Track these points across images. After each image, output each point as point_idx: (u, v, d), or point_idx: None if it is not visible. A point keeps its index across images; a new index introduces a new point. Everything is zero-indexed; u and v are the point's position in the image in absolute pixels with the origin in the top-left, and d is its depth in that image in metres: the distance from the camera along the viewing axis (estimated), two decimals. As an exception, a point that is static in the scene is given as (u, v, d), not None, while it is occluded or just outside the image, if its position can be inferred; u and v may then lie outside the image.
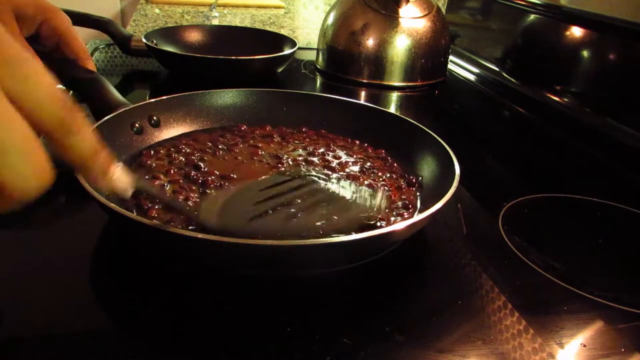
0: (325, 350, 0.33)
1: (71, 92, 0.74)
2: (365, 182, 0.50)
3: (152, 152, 0.54)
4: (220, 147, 0.56)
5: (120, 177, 0.34)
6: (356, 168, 0.53)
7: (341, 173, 0.52)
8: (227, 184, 0.49)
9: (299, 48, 0.90)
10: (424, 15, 0.90)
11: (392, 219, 0.45)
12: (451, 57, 1.08)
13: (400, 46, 0.89)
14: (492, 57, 1.02)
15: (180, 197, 0.46)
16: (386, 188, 0.50)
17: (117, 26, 0.91)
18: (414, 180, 0.51)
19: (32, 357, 0.32)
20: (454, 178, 0.44)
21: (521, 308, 0.39)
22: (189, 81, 0.84)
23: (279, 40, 0.95)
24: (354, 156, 0.56)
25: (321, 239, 0.36)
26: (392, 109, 0.85)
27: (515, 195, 0.55)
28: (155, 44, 0.87)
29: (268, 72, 0.88)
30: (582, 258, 0.47)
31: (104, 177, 0.32)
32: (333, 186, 0.48)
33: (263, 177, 0.50)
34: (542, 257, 0.45)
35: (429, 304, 0.39)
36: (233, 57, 0.80)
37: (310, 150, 0.56)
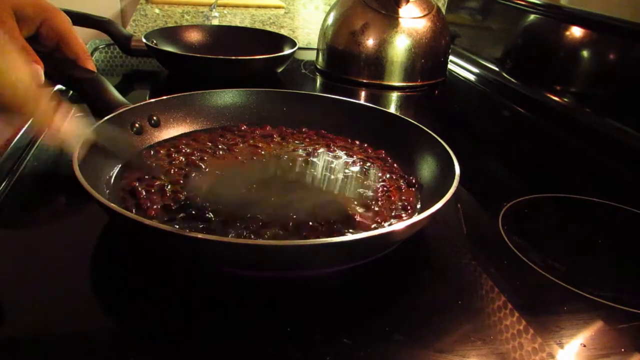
0: (325, 350, 0.33)
1: (71, 92, 0.74)
2: (365, 183, 0.51)
3: (152, 152, 0.54)
4: (220, 147, 0.56)
5: (72, 125, 0.33)
6: (356, 168, 0.53)
7: (341, 174, 0.52)
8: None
9: (299, 48, 0.90)
10: (424, 15, 0.90)
11: (392, 219, 0.45)
12: (451, 57, 1.08)
13: (400, 46, 0.89)
14: (492, 57, 1.02)
15: (181, 196, 0.46)
16: (386, 187, 0.50)
17: (117, 26, 0.91)
18: (413, 181, 0.51)
19: (32, 357, 0.32)
20: (454, 178, 0.44)
21: (521, 308, 0.39)
22: (189, 81, 0.84)
23: (279, 40, 0.95)
24: (354, 156, 0.56)
25: (321, 239, 0.36)
26: (392, 109, 0.85)
27: (515, 195, 0.55)
28: (155, 44, 0.87)
29: (268, 72, 0.88)
30: (582, 258, 0.47)
31: (49, 122, 0.32)
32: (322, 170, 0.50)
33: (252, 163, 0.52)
34: (542, 257, 0.45)
35: (429, 304, 0.39)
36: (233, 57, 0.80)
37: (310, 150, 0.56)
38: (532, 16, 0.90)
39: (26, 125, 0.58)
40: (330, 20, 0.94)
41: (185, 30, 0.98)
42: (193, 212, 0.43)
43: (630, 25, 0.71)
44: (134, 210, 0.43)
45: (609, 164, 0.70)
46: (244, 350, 0.33)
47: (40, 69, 0.30)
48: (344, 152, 0.57)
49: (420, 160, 0.53)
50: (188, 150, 0.55)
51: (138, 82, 0.91)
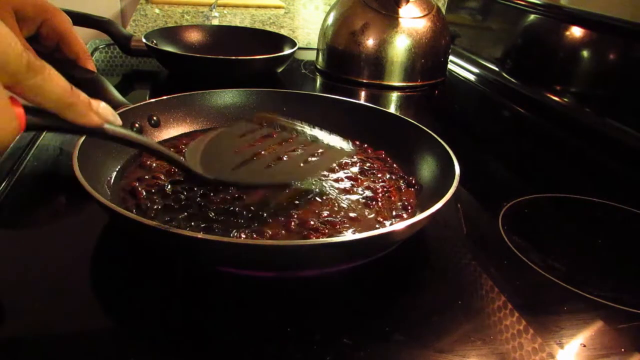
0: (325, 350, 0.33)
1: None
2: (364, 184, 0.51)
3: (152, 152, 0.54)
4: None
5: (107, 109, 0.34)
6: (356, 169, 0.53)
7: (340, 174, 0.52)
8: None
9: (299, 48, 0.90)
10: (424, 15, 0.90)
11: (391, 220, 0.45)
12: (451, 57, 1.08)
13: (400, 46, 0.89)
14: (492, 57, 1.02)
15: (182, 196, 0.46)
16: (386, 188, 0.50)
17: (117, 26, 0.91)
18: (413, 182, 0.51)
19: (32, 357, 0.32)
20: (454, 178, 0.44)
21: (521, 308, 0.39)
22: (189, 81, 0.84)
23: (279, 40, 0.95)
24: (354, 157, 0.56)
25: (321, 239, 0.36)
26: (392, 109, 0.85)
27: (515, 195, 0.55)
28: (155, 44, 0.87)
29: (268, 72, 0.88)
30: (582, 258, 0.47)
31: (91, 108, 0.32)
32: (305, 133, 0.52)
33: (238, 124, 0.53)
34: (542, 257, 0.45)
35: (429, 304, 0.39)
36: (233, 57, 0.80)
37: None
38: (532, 16, 0.90)
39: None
40: (330, 20, 0.94)
41: (185, 30, 0.98)
42: (193, 211, 0.43)
43: (630, 25, 0.71)
44: (134, 211, 0.43)
45: (609, 164, 0.70)
46: (244, 350, 0.33)
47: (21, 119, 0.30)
48: (344, 152, 0.57)
49: (420, 160, 0.53)
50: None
51: (138, 82, 0.91)
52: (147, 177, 0.48)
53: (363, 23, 0.89)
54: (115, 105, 0.55)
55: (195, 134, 0.59)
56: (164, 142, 0.57)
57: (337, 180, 0.51)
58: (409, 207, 0.47)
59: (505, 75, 0.97)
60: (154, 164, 0.51)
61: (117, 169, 0.49)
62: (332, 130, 0.61)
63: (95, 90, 0.57)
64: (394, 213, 0.46)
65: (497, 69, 0.99)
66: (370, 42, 0.89)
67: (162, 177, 0.49)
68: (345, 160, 0.55)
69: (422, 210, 0.40)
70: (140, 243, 0.41)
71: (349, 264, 0.40)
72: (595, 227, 0.53)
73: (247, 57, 0.81)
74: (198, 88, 0.62)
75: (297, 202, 0.46)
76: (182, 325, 0.35)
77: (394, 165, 0.55)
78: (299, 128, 0.53)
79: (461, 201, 0.54)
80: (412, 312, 0.38)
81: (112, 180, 0.48)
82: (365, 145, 0.59)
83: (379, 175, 0.52)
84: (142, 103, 0.57)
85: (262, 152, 0.48)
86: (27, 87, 0.30)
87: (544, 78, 0.88)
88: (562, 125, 0.81)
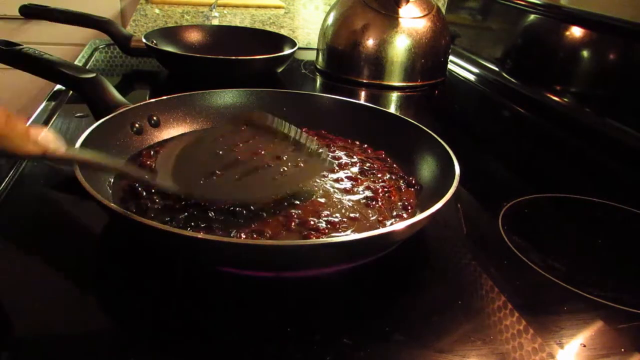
0: (325, 350, 0.33)
1: (71, 92, 0.74)
2: (364, 184, 0.51)
3: (152, 152, 0.54)
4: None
5: (48, 136, 0.34)
6: (356, 169, 0.53)
7: (340, 174, 0.52)
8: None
9: (299, 48, 0.90)
10: (424, 15, 0.90)
11: (391, 220, 0.45)
12: (451, 57, 1.08)
13: (400, 46, 0.89)
14: (492, 57, 1.02)
15: (182, 196, 0.46)
16: (386, 188, 0.50)
17: (117, 26, 0.91)
18: (413, 182, 0.51)
19: (32, 357, 0.32)
20: (454, 178, 0.44)
21: (521, 308, 0.39)
22: (189, 81, 0.84)
23: (279, 40, 0.95)
24: (354, 157, 0.56)
25: (321, 239, 0.36)
26: (392, 109, 0.85)
27: (515, 195, 0.55)
28: (155, 44, 0.87)
29: (268, 72, 0.88)
30: (582, 258, 0.47)
31: (28, 138, 0.32)
32: (287, 140, 0.50)
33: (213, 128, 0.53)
34: (542, 257, 0.45)
35: (429, 304, 0.39)
36: (233, 57, 0.80)
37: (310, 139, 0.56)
38: (532, 16, 0.90)
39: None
40: (330, 20, 0.94)
41: (185, 30, 0.98)
42: (194, 211, 0.43)
43: (630, 25, 0.71)
44: (134, 211, 0.43)
45: (609, 164, 0.70)
46: (244, 350, 0.33)
47: None
48: (344, 152, 0.57)
49: (420, 160, 0.53)
50: (183, 138, 0.54)
51: (138, 82, 0.91)
52: (146, 177, 0.48)
53: (363, 23, 0.89)
54: (115, 105, 0.55)
55: (195, 134, 0.59)
56: (164, 142, 0.57)
57: (337, 180, 0.51)
58: (409, 207, 0.47)
59: (505, 75, 0.97)
60: (154, 164, 0.51)
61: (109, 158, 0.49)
62: (332, 130, 0.62)
63: (95, 91, 0.57)
64: (394, 213, 0.46)
65: (497, 69, 0.99)
66: (370, 42, 0.89)
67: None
68: (345, 160, 0.55)
69: (422, 210, 0.40)
70: (140, 243, 0.41)
71: (349, 264, 0.40)
72: (595, 227, 0.53)
73: (247, 57, 0.81)
74: (198, 88, 0.62)
75: (297, 202, 0.46)
76: (182, 325, 0.35)
77: (394, 165, 0.55)
78: (283, 131, 0.51)
79: (461, 201, 0.54)
80: (412, 312, 0.38)
81: (112, 180, 0.48)
82: (365, 145, 0.59)
83: (379, 175, 0.52)
84: (142, 103, 0.57)
85: (237, 160, 0.47)
86: None
87: (544, 78, 0.87)
88: (562, 125, 0.81)
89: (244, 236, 0.40)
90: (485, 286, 0.41)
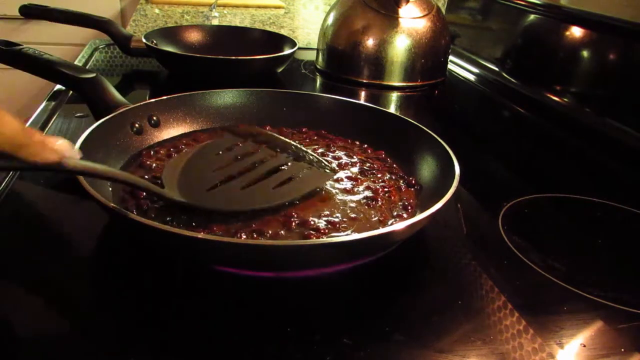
0: (325, 350, 0.33)
1: (71, 92, 0.74)
2: (364, 184, 0.51)
3: (152, 152, 0.54)
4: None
5: (64, 144, 0.34)
6: (356, 169, 0.53)
7: (340, 174, 0.52)
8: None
9: (299, 48, 0.90)
10: (424, 15, 0.90)
11: (391, 220, 0.45)
12: (451, 57, 1.08)
13: (400, 46, 0.89)
14: (492, 57, 1.02)
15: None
16: (386, 188, 0.50)
17: (117, 26, 0.91)
18: (413, 182, 0.51)
19: (32, 357, 0.32)
20: (454, 178, 0.44)
21: (521, 308, 0.39)
22: (189, 81, 0.84)
23: (279, 40, 0.95)
24: (354, 157, 0.56)
25: (321, 239, 0.36)
26: (392, 109, 0.85)
27: (515, 195, 0.55)
28: (155, 44, 0.87)
29: (268, 72, 0.88)
30: (582, 258, 0.47)
31: (46, 146, 0.33)
32: (286, 152, 0.51)
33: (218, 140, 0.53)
34: (542, 257, 0.45)
35: (429, 304, 0.39)
36: (233, 57, 0.80)
37: (310, 150, 0.56)
38: (532, 16, 0.90)
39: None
40: (330, 20, 0.94)
41: (185, 30, 0.98)
42: (194, 211, 0.43)
43: (630, 25, 0.71)
44: (134, 211, 0.43)
45: (609, 164, 0.70)
46: (244, 350, 0.33)
47: None
48: (344, 152, 0.57)
49: (420, 160, 0.53)
50: (188, 150, 0.54)
51: (138, 82, 0.91)
52: (147, 177, 0.48)
53: (363, 23, 0.89)
54: (115, 105, 0.55)
55: (195, 134, 0.59)
56: (164, 142, 0.57)
57: (337, 180, 0.51)
58: (409, 207, 0.47)
59: (505, 75, 0.97)
60: (154, 164, 0.51)
61: (117, 169, 0.49)
62: (332, 130, 0.62)
63: (95, 91, 0.57)
64: (394, 213, 0.46)
65: (497, 69, 0.99)
66: (370, 42, 0.89)
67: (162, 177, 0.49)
68: (345, 160, 0.55)
69: (422, 210, 0.40)
70: (140, 243, 0.41)
71: (349, 264, 0.40)
72: (595, 227, 0.53)
73: (247, 57, 0.81)
74: (198, 88, 0.62)
75: (297, 202, 0.46)
76: (182, 325, 0.35)
77: (394, 165, 0.55)
78: (282, 143, 0.52)
79: (461, 201, 0.54)
80: (412, 312, 0.38)
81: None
82: (365, 146, 0.59)
83: (379, 175, 0.52)
84: (142, 103, 0.57)
85: (240, 172, 0.47)
86: None
87: (544, 78, 0.87)
88: (562, 125, 0.81)
89: (244, 236, 0.40)
90: (485, 286, 0.41)
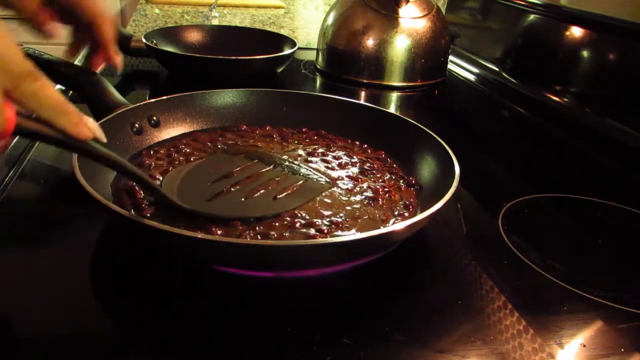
0: (325, 350, 0.33)
1: (71, 92, 0.74)
2: (365, 184, 0.51)
3: (151, 152, 0.54)
4: (220, 147, 0.56)
5: (95, 125, 0.36)
6: (356, 169, 0.53)
7: (340, 174, 0.52)
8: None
9: (299, 48, 0.90)
10: (424, 15, 0.90)
11: (392, 219, 0.45)
12: (451, 57, 1.08)
13: (400, 46, 0.89)
14: (492, 57, 1.02)
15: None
16: (386, 189, 0.50)
17: (117, 26, 0.91)
18: (413, 182, 0.51)
19: (32, 357, 0.32)
20: (454, 178, 0.44)
21: (521, 308, 0.39)
22: (189, 81, 0.84)
23: (279, 40, 0.95)
24: (354, 157, 0.56)
25: (321, 239, 0.36)
26: (392, 109, 0.85)
27: (515, 195, 0.55)
28: (155, 44, 0.87)
29: (268, 72, 0.88)
30: (582, 258, 0.47)
31: (81, 120, 0.34)
32: (281, 166, 0.51)
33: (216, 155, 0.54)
34: (542, 257, 0.45)
35: (429, 304, 0.39)
36: (233, 57, 0.80)
37: (310, 150, 0.56)
38: (532, 16, 0.90)
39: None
40: (330, 20, 0.94)
41: (185, 30, 0.98)
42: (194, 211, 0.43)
43: (630, 25, 0.71)
44: (132, 210, 0.43)
45: (609, 164, 0.70)
46: (244, 350, 0.33)
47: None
48: (344, 152, 0.57)
49: (420, 160, 0.53)
50: (188, 150, 0.55)
51: (138, 82, 0.91)
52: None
53: (363, 23, 0.89)
54: (115, 105, 0.55)
55: (195, 134, 0.59)
56: (163, 142, 0.57)
57: (338, 179, 0.51)
58: (410, 207, 0.47)
59: (505, 75, 0.97)
60: (153, 164, 0.51)
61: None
62: (332, 130, 0.62)
63: (95, 91, 0.57)
64: (395, 212, 0.46)
65: (497, 69, 0.99)
66: (370, 42, 0.89)
67: (160, 177, 0.49)
68: (345, 160, 0.55)
69: (423, 210, 0.40)
70: (140, 243, 0.41)
71: (349, 263, 0.40)
72: (595, 227, 0.53)
73: (247, 57, 0.81)
74: (198, 88, 0.62)
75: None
76: (182, 325, 0.35)
77: (394, 165, 0.55)
78: (277, 159, 0.53)
79: (461, 201, 0.54)
80: (412, 312, 0.38)
81: (112, 180, 0.48)
82: (365, 145, 0.59)
83: (379, 175, 0.52)
84: (142, 103, 0.57)
85: (238, 184, 0.48)
86: (25, 92, 0.31)
87: (544, 78, 0.87)
88: (562, 125, 0.81)
89: (248, 238, 0.40)
90: (485, 286, 0.41)
